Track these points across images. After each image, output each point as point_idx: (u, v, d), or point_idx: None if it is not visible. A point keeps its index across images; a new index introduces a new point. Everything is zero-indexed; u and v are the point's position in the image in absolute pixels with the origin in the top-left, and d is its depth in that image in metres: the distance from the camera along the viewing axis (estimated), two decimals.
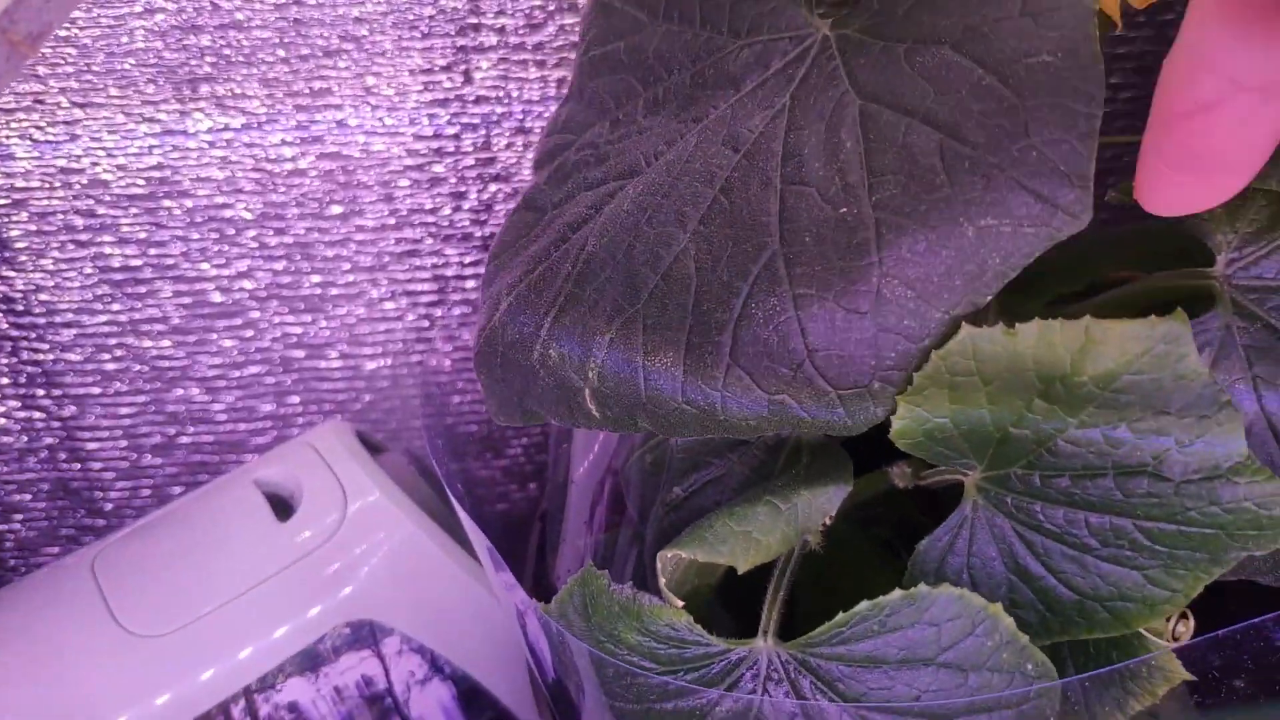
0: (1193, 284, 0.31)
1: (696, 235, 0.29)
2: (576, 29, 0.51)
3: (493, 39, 0.51)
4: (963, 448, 0.29)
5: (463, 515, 0.37)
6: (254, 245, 0.56)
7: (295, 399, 0.61)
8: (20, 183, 0.52)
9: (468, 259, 0.58)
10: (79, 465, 0.60)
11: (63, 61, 0.50)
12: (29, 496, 0.61)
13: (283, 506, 0.44)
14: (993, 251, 0.24)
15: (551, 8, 0.51)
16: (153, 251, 0.55)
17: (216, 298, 0.57)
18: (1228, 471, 0.27)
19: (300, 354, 0.60)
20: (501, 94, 0.53)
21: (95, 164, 0.52)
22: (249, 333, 0.58)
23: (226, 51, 0.51)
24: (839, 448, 0.32)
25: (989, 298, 0.26)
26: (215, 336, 0.58)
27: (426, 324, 0.59)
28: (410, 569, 0.44)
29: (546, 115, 0.54)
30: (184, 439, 0.60)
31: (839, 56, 0.29)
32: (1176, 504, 0.27)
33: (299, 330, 0.59)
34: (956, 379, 0.27)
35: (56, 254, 0.54)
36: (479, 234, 0.57)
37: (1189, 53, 0.21)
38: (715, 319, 0.28)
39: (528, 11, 0.51)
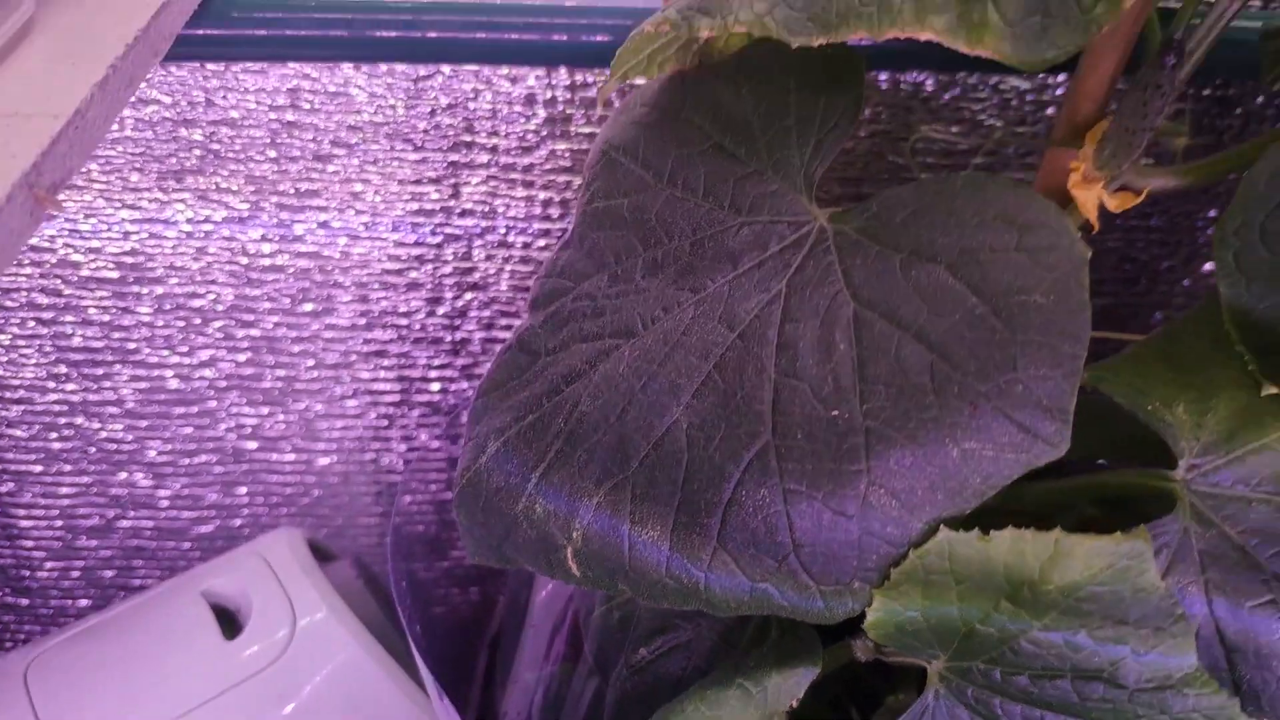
0: (1156, 484, 0.32)
1: (689, 409, 0.30)
2: (567, 154, 0.53)
3: (484, 157, 0.52)
4: (929, 639, 0.30)
5: (417, 655, 0.37)
6: (220, 336, 0.55)
7: (243, 490, 0.60)
8: None
9: (435, 361, 0.58)
10: (8, 542, 0.58)
11: None
12: None
13: (229, 619, 0.44)
14: (974, 472, 0.26)
15: (544, 134, 0.52)
16: (116, 335, 0.54)
17: (174, 384, 0.56)
18: (1179, 682, 0.28)
19: (253, 445, 0.59)
20: (487, 209, 0.54)
21: (67, 245, 0.52)
22: (203, 421, 0.58)
23: (215, 146, 0.51)
24: (808, 626, 0.33)
25: (968, 511, 0.27)
26: (168, 423, 0.57)
27: (385, 423, 0.59)
28: (354, 691, 0.43)
29: (531, 231, 0.55)
30: (124, 523, 0.59)
31: (835, 252, 0.30)
32: (1129, 711, 0.28)
33: (255, 422, 0.58)
34: (931, 577, 0.28)
35: (16, 330, 0.53)
36: (449, 339, 0.57)
37: None
38: (705, 499, 0.29)
39: (521, 135, 0.52)
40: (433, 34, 0.40)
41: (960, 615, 0.29)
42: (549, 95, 0.51)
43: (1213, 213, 0.59)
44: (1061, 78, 0.54)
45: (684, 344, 0.32)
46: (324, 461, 0.60)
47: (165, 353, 0.55)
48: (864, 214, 0.31)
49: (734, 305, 0.32)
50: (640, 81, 0.39)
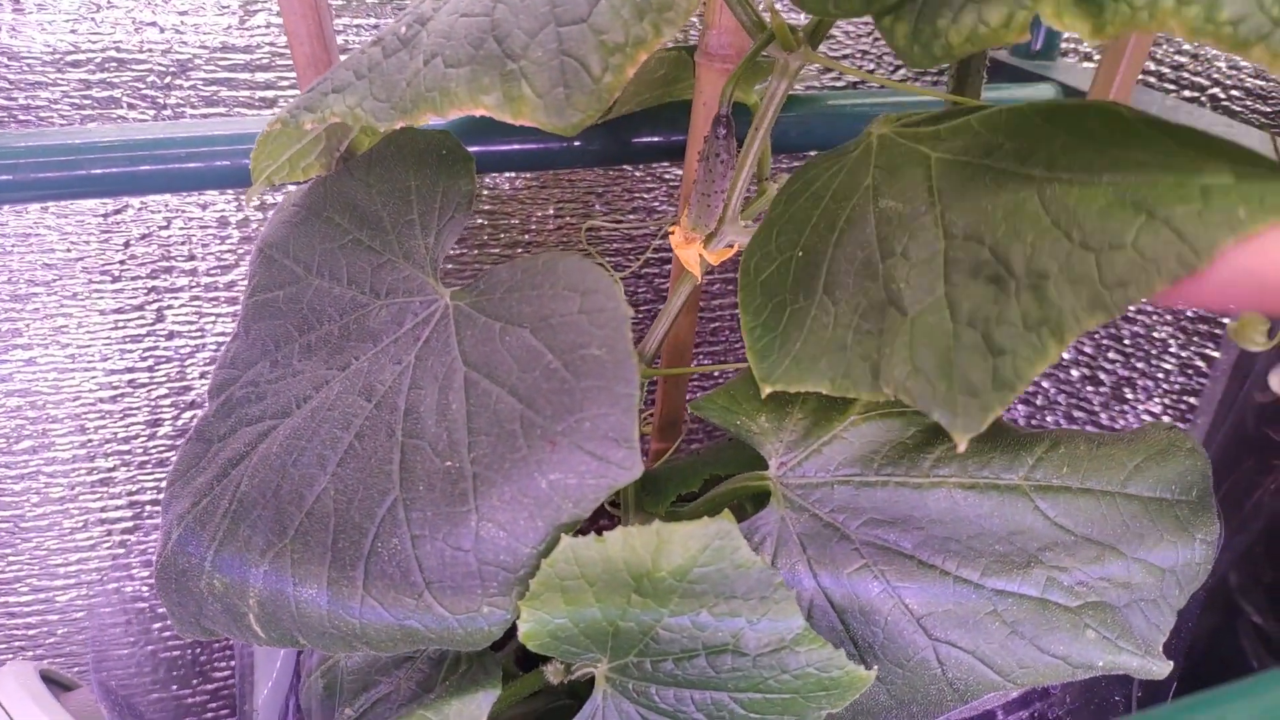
0: (757, 485, 0.37)
1: (335, 477, 0.33)
2: None
3: (184, 280, 0.53)
4: (585, 644, 0.32)
5: None
6: None
7: None
8: None
9: (165, 482, 0.57)
10: None
11: None
12: None
13: None
14: (564, 498, 0.29)
15: (241, 251, 0.54)
16: None
17: None
18: (791, 643, 0.32)
19: None
20: (195, 328, 0.55)
21: None
22: None
23: None
24: (491, 656, 0.35)
25: (572, 529, 0.30)
26: None
27: (122, 551, 0.58)
28: None
29: None
30: None
31: (454, 325, 0.34)
32: (756, 675, 0.32)
33: None
34: (566, 583, 0.31)
35: None
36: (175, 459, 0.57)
37: None
38: (349, 555, 0.31)
39: (219, 255, 0.53)
40: (96, 170, 0.42)
41: (603, 615, 0.32)
42: (241, 216, 0.53)
43: None
44: None
45: (330, 418, 0.34)
46: (64, 598, 0.58)
47: None
48: (476, 290, 0.34)
49: (372, 379, 0.34)
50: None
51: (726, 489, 0.38)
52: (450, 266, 0.58)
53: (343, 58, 0.46)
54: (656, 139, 0.50)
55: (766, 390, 0.30)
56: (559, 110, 0.28)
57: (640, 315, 0.66)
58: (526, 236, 0.59)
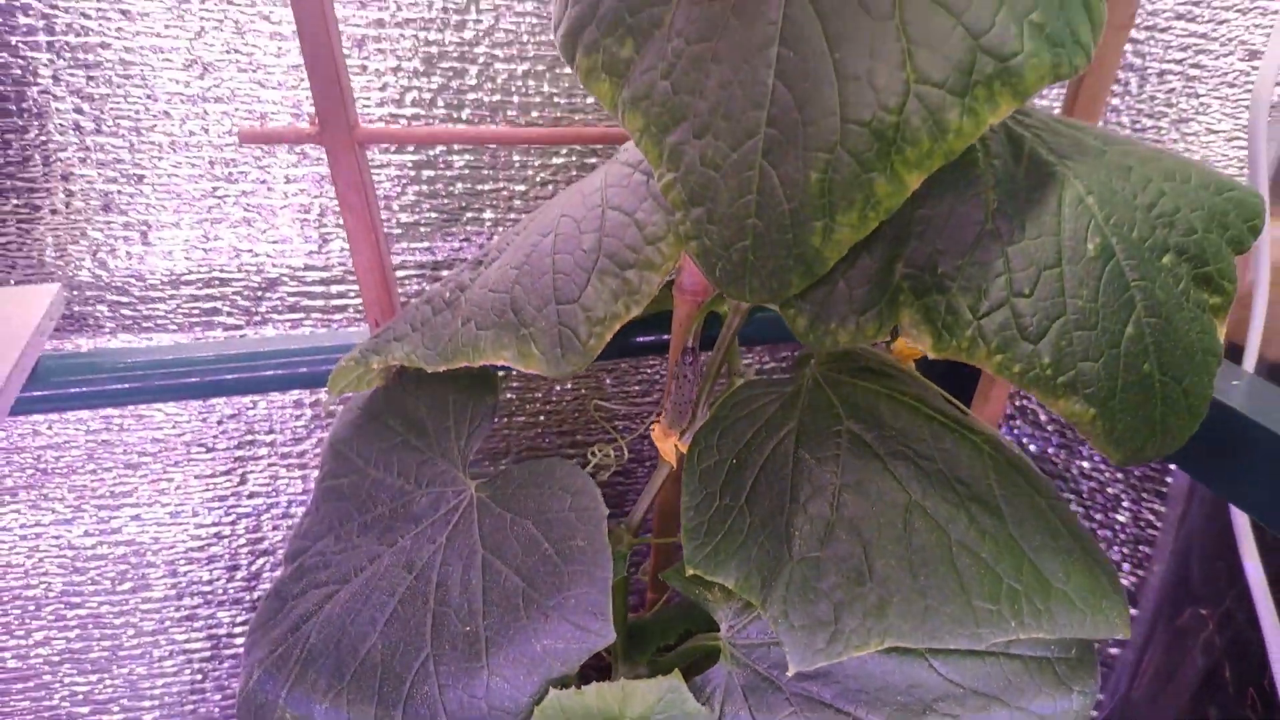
0: (712, 644, 0.46)
1: (382, 634, 0.43)
2: None
3: (264, 450, 0.65)
4: None
5: None
6: (52, 618, 0.64)
7: None
8: None
9: (239, 619, 0.68)
10: None
11: None
12: None
13: None
14: (555, 659, 0.39)
15: (313, 427, 0.65)
16: None
17: (12, 664, 0.64)
18: None
19: (85, 710, 0.67)
20: (271, 489, 0.66)
21: None
22: (40, 693, 0.65)
23: (43, 465, 0.62)
24: None
25: (562, 683, 0.40)
26: (8, 699, 0.64)
27: (200, 678, 0.68)
28: None
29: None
30: None
31: (476, 513, 0.44)
32: None
33: (86, 689, 0.66)
34: None
35: None
36: (248, 598, 0.68)
37: None
38: (391, 698, 0.41)
39: (293, 430, 0.65)
40: (208, 378, 0.54)
41: None
42: (313, 399, 0.65)
43: None
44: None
45: (380, 586, 0.44)
46: (149, 718, 0.68)
47: (4, 637, 0.63)
48: (494, 485, 0.45)
49: (413, 555, 0.45)
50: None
51: (690, 647, 0.47)
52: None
53: (402, 304, 0.58)
54: (651, 338, 0.61)
55: (690, 572, 0.39)
56: (556, 364, 0.39)
57: (645, 470, 0.76)
58: (548, 407, 0.70)
